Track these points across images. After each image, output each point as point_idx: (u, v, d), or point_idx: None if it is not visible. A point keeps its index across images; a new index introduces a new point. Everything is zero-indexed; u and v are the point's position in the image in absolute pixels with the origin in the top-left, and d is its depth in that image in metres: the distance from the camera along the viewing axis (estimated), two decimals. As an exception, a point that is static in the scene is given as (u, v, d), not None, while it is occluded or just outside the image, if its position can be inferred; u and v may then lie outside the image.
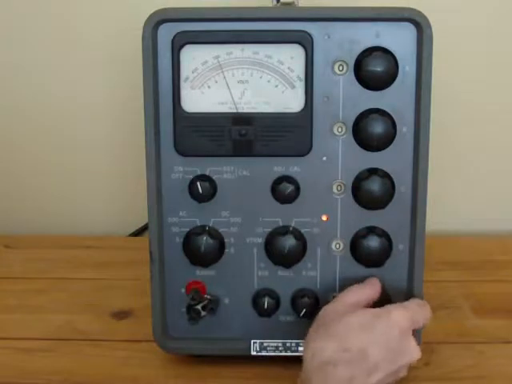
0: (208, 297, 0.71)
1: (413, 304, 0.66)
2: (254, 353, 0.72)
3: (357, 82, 0.68)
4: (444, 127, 0.97)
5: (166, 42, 0.67)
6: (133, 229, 1.05)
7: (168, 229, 0.71)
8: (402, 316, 0.63)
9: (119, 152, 1.04)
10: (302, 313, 0.71)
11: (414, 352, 0.63)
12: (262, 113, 0.68)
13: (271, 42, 0.67)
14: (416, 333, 0.66)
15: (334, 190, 0.70)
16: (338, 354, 0.60)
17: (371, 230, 0.70)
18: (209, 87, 0.68)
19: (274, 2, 0.74)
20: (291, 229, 0.70)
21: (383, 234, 0.70)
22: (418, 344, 0.64)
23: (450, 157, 1.02)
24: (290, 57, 0.67)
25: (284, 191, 0.69)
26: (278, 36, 0.67)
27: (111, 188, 1.07)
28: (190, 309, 0.70)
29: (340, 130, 0.69)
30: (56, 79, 1.02)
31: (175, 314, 0.72)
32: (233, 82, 0.68)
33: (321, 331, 0.63)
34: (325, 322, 0.64)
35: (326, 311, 0.65)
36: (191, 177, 0.69)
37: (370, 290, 0.68)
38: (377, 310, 0.64)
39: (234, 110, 0.68)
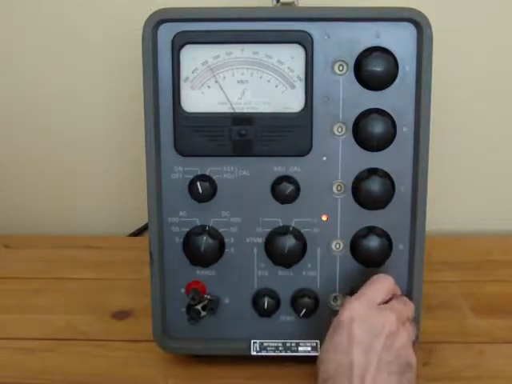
0: (208, 297, 0.71)
1: (366, 286, 0.66)
2: (254, 353, 0.72)
3: (357, 82, 0.68)
4: (444, 127, 0.98)
5: (166, 42, 0.67)
6: (133, 229, 1.05)
7: (168, 229, 0.71)
8: (352, 306, 0.63)
9: (119, 152, 1.04)
10: (302, 313, 0.71)
11: (386, 323, 0.62)
12: (262, 113, 0.68)
13: (271, 42, 0.67)
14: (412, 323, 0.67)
15: (334, 189, 0.70)
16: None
17: (371, 230, 0.70)
18: (209, 87, 0.68)
19: (274, 2, 0.74)
20: (291, 229, 0.70)
21: (383, 234, 0.70)
22: (417, 343, 0.64)
23: (450, 157, 1.02)
24: (290, 57, 0.67)
25: (284, 191, 0.69)
26: (278, 36, 0.67)
27: (111, 188, 1.07)
28: (190, 309, 0.70)
29: (340, 129, 0.69)
30: (56, 79, 1.02)
31: (175, 314, 0.72)
32: (233, 82, 0.68)
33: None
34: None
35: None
36: (191, 177, 0.69)
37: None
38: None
39: (232, 111, 0.68)
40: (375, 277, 0.67)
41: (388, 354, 0.61)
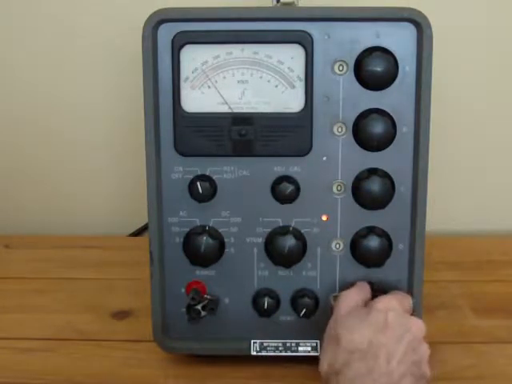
0: (208, 297, 0.71)
1: (395, 293, 0.69)
2: (253, 353, 0.72)
3: (357, 82, 0.68)
4: (444, 127, 0.98)
5: (166, 42, 0.67)
6: (133, 229, 1.05)
7: (168, 229, 0.71)
8: (389, 301, 0.65)
9: (119, 152, 1.04)
10: (302, 313, 0.71)
11: (415, 325, 0.64)
12: (262, 113, 0.68)
13: (271, 42, 0.67)
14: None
15: (334, 190, 0.70)
16: (348, 357, 0.61)
17: (371, 230, 0.70)
18: (209, 87, 0.68)
19: (274, 2, 0.74)
20: (291, 229, 0.70)
21: (383, 234, 0.70)
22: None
23: (450, 157, 1.02)
24: (290, 57, 0.67)
25: (284, 191, 0.69)
26: (278, 36, 0.67)
27: (111, 188, 1.07)
28: (190, 309, 0.70)
29: (340, 129, 0.69)
30: (56, 79, 1.02)
31: (175, 314, 0.72)
32: (233, 81, 0.68)
33: (329, 343, 0.64)
34: (330, 334, 0.65)
35: (328, 328, 0.66)
36: (191, 177, 0.69)
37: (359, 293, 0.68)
38: (364, 307, 0.66)
39: (230, 111, 0.68)
40: (399, 292, 0.69)
41: (412, 354, 0.62)
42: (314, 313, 0.71)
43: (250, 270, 0.71)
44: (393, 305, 0.64)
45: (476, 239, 1.03)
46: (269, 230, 0.70)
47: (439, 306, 0.84)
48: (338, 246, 0.71)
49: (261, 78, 0.68)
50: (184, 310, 0.70)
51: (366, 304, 0.66)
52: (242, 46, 0.67)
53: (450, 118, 1.00)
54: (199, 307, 0.70)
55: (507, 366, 0.74)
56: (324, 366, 0.62)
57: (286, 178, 0.69)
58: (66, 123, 1.04)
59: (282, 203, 0.70)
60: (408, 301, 0.68)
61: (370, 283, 0.70)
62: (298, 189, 0.69)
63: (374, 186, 0.69)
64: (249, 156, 0.69)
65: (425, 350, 0.64)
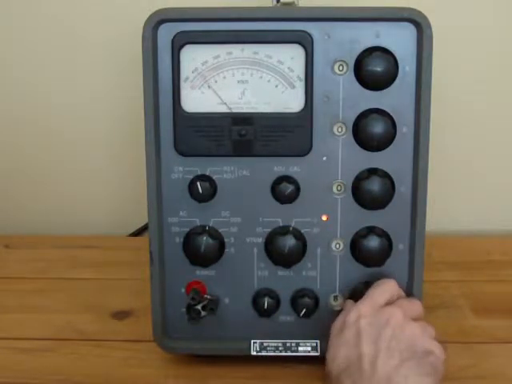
0: (208, 297, 0.71)
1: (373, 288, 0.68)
2: (253, 353, 0.72)
3: (357, 82, 0.68)
4: (444, 127, 0.98)
5: (166, 42, 0.67)
6: (133, 229, 1.05)
7: (168, 229, 0.71)
8: (359, 309, 0.65)
9: (119, 152, 1.04)
10: (302, 313, 0.71)
11: (392, 316, 0.63)
12: (262, 113, 0.68)
13: (271, 42, 0.67)
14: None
15: (334, 189, 0.70)
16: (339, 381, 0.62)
17: (371, 230, 0.70)
18: (209, 87, 0.68)
19: (274, 2, 0.74)
20: (291, 229, 0.70)
21: (383, 234, 0.70)
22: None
23: (450, 157, 1.02)
24: (290, 57, 0.67)
25: (284, 191, 0.69)
26: (278, 36, 0.67)
27: (111, 188, 1.07)
28: (190, 309, 0.70)
29: (340, 130, 0.69)
30: (56, 79, 1.02)
31: (175, 314, 0.72)
32: (233, 81, 0.68)
33: (326, 378, 0.65)
34: (326, 371, 0.65)
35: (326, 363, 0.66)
36: (191, 177, 0.69)
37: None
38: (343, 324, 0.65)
39: (230, 111, 0.68)
40: (378, 281, 0.69)
41: (398, 343, 0.62)
42: (313, 313, 0.71)
43: (250, 270, 0.71)
44: (363, 311, 0.64)
45: (476, 239, 1.03)
46: (269, 230, 0.70)
47: (439, 305, 0.84)
48: (338, 246, 0.71)
49: (261, 78, 0.68)
50: (184, 310, 0.70)
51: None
52: (241, 45, 0.67)
53: (449, 118, 1.00)
54: (199, 307, 0.70)
55: (507, 366, 0.73)
56: None
57: (286, 178, 0.69)
58: (65, 123, 1.04)
59: (282, 203, 0.70)
60: (385, 289, 0.67)
61: (370, 283, 0.70)
62: (298, 189, 0.69)
63: (374, 186, 0.69)
64: (249, 156, 0.69)
65: (409, 332, 0.63)
